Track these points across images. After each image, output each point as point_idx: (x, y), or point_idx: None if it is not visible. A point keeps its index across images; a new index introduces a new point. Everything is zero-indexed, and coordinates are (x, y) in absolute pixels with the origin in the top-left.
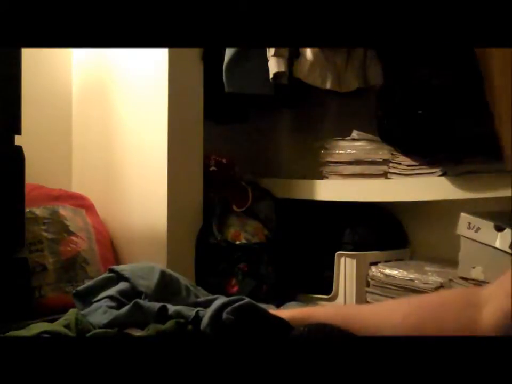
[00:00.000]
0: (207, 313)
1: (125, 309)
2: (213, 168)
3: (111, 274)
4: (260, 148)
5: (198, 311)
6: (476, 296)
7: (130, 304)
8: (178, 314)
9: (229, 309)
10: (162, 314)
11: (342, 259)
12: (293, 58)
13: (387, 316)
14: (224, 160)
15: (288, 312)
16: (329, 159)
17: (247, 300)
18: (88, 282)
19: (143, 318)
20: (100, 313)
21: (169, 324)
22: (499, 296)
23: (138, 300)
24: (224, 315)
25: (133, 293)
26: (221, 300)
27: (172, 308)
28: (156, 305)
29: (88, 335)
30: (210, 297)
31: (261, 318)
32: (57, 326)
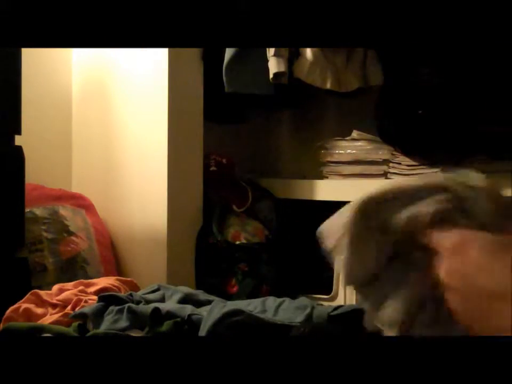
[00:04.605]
0: (204, 325)
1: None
2: (213, 168)
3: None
4: (260, 148)
5: (190, 315)
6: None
7: (125, 310)
8: (171, 315)
9: (226, 323)
10: (156, 316)
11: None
12: (293, 58)
13: None
14: (224, 160)
15: None
16: (329, 159)
17: (244, 314)
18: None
19: (139, 321)
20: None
21: (167, 325)
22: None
23: (131, 305)
24: (222, 330)
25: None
26: (217, 309)
27: (164, 309)
28: (149, 307)
29: (88, 334)
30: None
31: (257, 332)
32: (58, 327)
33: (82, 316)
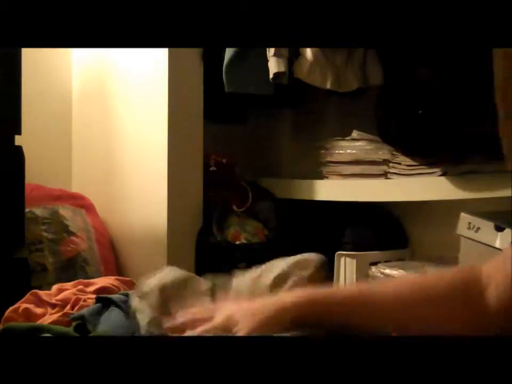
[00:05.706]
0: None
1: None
2: (213, 168)
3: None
4: (260, 147)
5: None
6: (475, 277)
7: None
8: None
9: None
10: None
11: (342, 259)
12: (293, 58)
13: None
14: (224, 160)
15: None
16: (329, 159)
17: None
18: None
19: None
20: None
21: None
22: (498, 279)
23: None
24: None
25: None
26: None
27: None
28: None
29: (88, 335)
30: None
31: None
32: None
33: (81, 318)
